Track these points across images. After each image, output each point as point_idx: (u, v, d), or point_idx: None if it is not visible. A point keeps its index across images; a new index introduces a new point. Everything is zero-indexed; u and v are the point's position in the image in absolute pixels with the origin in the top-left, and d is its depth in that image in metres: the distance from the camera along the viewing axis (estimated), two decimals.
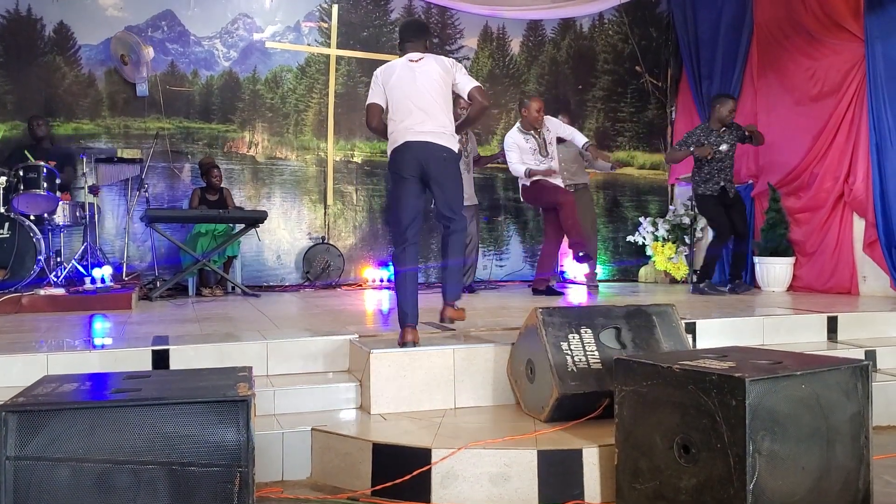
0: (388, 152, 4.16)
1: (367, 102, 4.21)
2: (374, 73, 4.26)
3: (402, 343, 3.68)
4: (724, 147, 6.58)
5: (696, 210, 8.44)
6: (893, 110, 6.16)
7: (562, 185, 6.58)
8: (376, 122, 4.22)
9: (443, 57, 4.32)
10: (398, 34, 4.40)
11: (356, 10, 8.40)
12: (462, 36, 8.76)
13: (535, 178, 6.42)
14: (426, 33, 4.44)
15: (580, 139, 6.65)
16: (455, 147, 4.14)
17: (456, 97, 4.75)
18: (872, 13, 6.29)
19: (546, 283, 6.77)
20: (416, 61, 4.20)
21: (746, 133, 6.62)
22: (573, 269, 8.10)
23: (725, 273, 7.87)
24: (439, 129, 4.04)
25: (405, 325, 3.80)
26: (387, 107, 4.18)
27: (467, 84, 4.19)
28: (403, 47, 4.34)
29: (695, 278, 8.35)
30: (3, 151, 6.95)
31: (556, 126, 6.66)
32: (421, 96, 4.08)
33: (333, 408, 3.43)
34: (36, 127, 6.88)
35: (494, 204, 8.76)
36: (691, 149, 6.62)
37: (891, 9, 6.14)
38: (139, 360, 3.47)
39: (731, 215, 6.72)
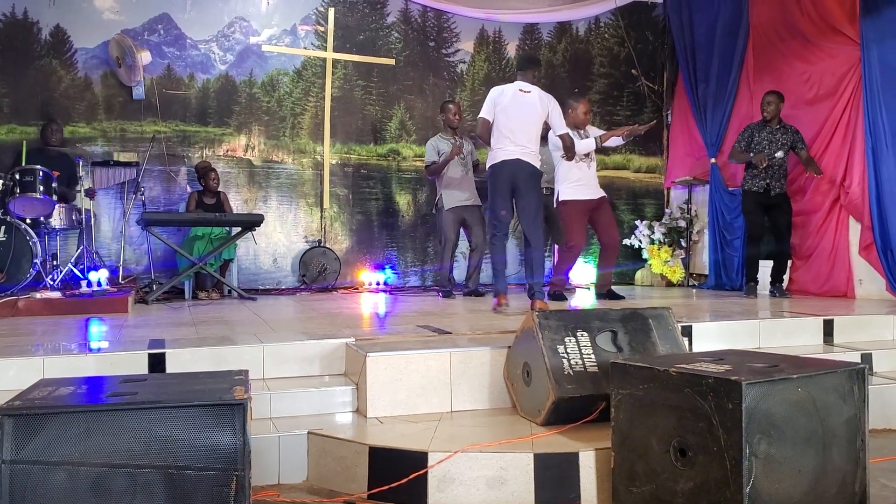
0: (489, 165, 5.35)
1: (480, 116, 5.41)
2: (491, 91, 5.41)
3: (497, 306, 5.31)
4: (779, 154, 6.59)
5: (691, 214, 8.48)
6: (889, 114, 6.17)
7: (596, 197, 6.45)
8: (483, 132, 5.39)
9: (544, 93, 5.42)
10: (530, 66, 5.49)
11: (352, 13, 8.41)
12: (458, 39, 8.78)
13: (570, 199, 6.33)
14: (535, 66, 5.55)
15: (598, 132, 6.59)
16: (538, 164, 5.32)
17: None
18: (868, 17, 6.31)
19: (608, 287, 6.65)
20: (526, 92, 5.33)
21: (800, 153, 6.65)
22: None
23: (723, 278, 7.90)
24: (529, 151, 5.25)
25: (496, 293, 5.39)
26: (492, 121, 5.31)
27: (559, 127, 5.47)
28: (517, 74, 5.54)
29: (691, 281, 8.40)
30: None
31: (595, 134, 6.59)
32: (522, 126, 5.24)
33: (330, 411, 3.43)
34: (51, 133, 6.86)
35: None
36: (751, 154, 6.62)
37: (886, 13, 6.16)
38: (135, 363, 3.47)
39: (773, 217, 6.72)
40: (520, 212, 5.31)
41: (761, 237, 6.81)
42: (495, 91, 5.39)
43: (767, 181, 6.61)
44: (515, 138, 5.22)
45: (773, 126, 6.66)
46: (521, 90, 5.33)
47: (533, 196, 5.26)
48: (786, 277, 7.07)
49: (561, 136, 5.52)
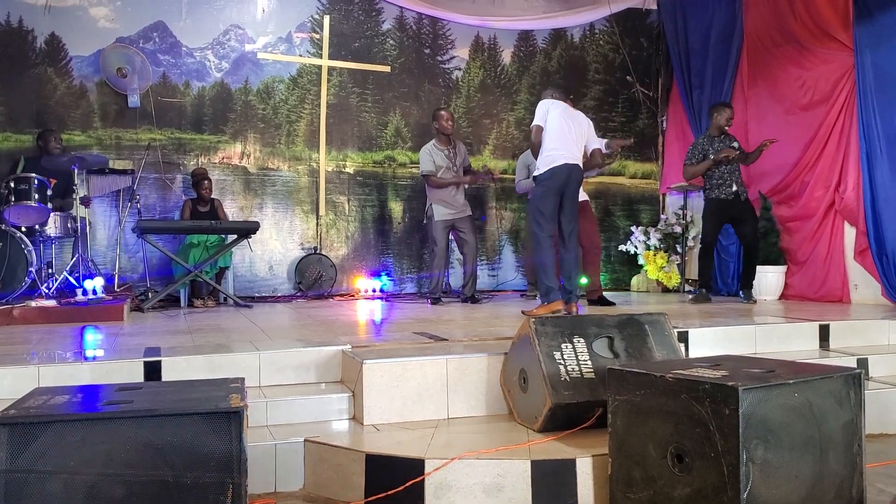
0: (544, 168, 5.47)
1: (536, 123, 5.57)
2: (544, 101, 5.66)
3: (554, 311, 5.19)
4: (735, 144, 6.67)
5: (687, 220, 8.49)
6: (883, 119, 6.20)
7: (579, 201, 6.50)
8: (539, 139, 5.56)
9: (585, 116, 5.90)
10: (562, 89, 6.04)
11: (348, 21, 8.42)
12: (453, 46, 8.79)
13: None
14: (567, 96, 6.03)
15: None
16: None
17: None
18: (861, 23, 6.34)
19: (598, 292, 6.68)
20: (575, 109, 5.79)
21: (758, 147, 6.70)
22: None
23: (719, 283, 7.91)
24: (580, 159, 5.64)
25: (554, 299, 5.35)
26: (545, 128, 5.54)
27: (595, 142, 5.85)
28: (562, 97, 5.84)
29: (686, 287, 8.40)
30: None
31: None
32: (574, 136, 5.57)
33: (326, 419, 3.42)
34: (54, 142, 6.84)
35: (486, 214, 8.78)
36: (711, 156, 6.62)
37: (880, 18, 6.19)
38: (131, 371, 3.45)
39: (740, 226, 6.73)
40: (565, 214, 5.54)
41: (715, 244, 6.90)
42: (549, 101, 5.65)
43: (734, 187, 6.63)
44: (570, 145, 5.52)
45: (721, 137, 6.73)
46: (571, 107, 5.74)
47: (577, 202, 5.62)
48: (779, 283, 7.09)
49: (594, 151, 5.85)
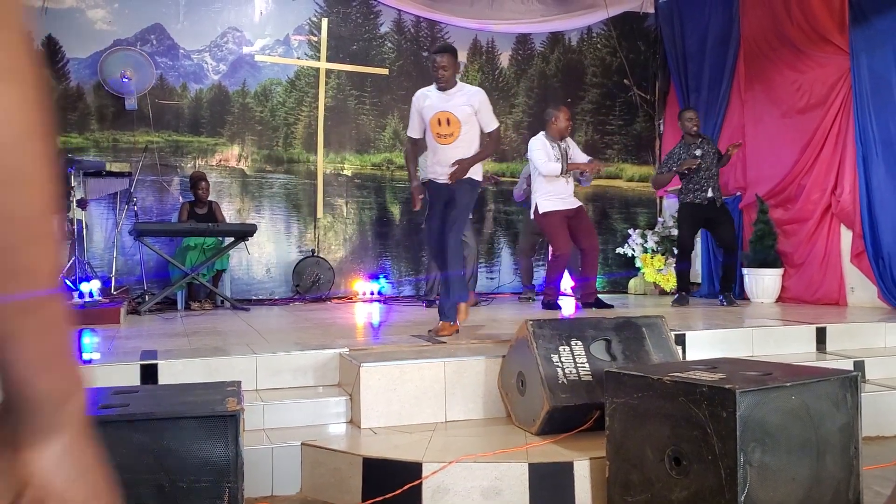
0: (481, 179, 4.67)
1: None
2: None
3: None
4: (698, 152, 6.65)
5: None
6: (879, 122, 6.21)
7: (574, 207, 6.47)
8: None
9: None
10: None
11: (346, 23, 8.42)
12: None
13: (550, 210, 6.32)
14: None
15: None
16: None
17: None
18: (857, 27, 6.36)
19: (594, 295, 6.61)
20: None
21: (726, 151, 6.71)
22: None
23: (715, 286, 7.92)
24: None
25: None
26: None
27: None
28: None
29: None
30: None
31: (573, 147, 6.63)
32: None
33: (323, 422, 3.41)
34: None
35: (484, 216, 8.78)
36: (674, 168, 6.66)
37: (875, 22, 6.21)
38: (127, 374, 3.44)
39: (717, 230, 6.76)
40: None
41: (692, 248, 6.94)
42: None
43: (710, 193, 6.64)
44: None
45: (696, 140, 6.73)
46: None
47: None
48: (776, 286, 7.10)
49: None
